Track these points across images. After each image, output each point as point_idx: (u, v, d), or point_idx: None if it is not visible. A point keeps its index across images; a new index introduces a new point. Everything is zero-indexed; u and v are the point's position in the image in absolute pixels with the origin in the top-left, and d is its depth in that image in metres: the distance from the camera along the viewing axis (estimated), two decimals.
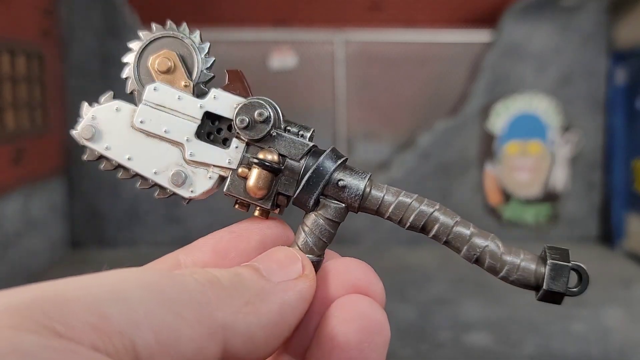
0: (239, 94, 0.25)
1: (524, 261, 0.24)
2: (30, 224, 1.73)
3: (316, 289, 0.22)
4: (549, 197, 2.16)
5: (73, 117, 2.03)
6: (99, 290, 0.17)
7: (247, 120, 0.24)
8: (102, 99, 0.25)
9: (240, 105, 0.24)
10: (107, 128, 0.25)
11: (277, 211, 0.25)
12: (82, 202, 2.04)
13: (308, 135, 0.24)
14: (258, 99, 0.24)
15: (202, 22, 2.11)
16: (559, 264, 0.23)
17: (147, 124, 0.24)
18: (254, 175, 0.23)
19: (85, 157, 0.25)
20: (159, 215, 2.07)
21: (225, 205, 2.09)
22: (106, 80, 1.99)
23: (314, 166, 0.23)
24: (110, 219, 2.06)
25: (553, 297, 0.23)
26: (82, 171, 2.03)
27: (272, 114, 0.24)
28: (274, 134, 0.24)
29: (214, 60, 0.25)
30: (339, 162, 0.24)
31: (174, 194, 0.25)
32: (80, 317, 0.16)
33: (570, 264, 0.24)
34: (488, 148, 2.13)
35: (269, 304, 0.20)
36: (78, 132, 0.25)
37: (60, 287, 0.17)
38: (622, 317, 1.46)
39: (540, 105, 2.12)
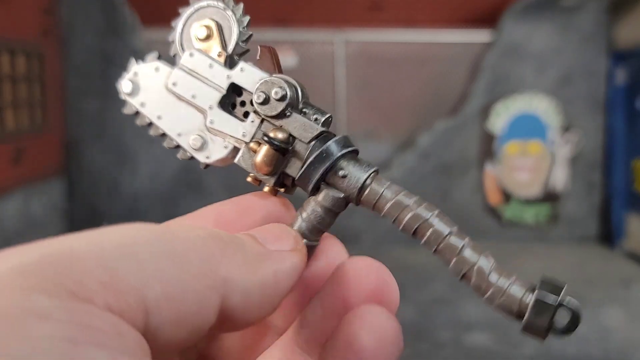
0: (266, 70, 0.25)
1: (512, 287, 0.24)
2: (30, 224, 1.73)
3: (337, 290, 0.23)
4: (549, 197, 2.16)
5: (73, 116, 2.04)
6: (108, 246, 0.17)
7: (265, 96, 0.24)
8: (148, 57, 0.26)
9: (262, 81, 0.24)
10: (145, 85, 0.26)
11: (283, 190, 0.25)
12: (82, 202, 2.04)
13: (322, 119, 0.25)
14: (280, 77, 0.25)
15: None
16: (543, 301, 0.22)
17: (178, 87, 0.25)
18: (262, 152, 0.23)
19: (124, 110, 0.26)
20: (159, 215, 2.07)
21: None
22: (106, 79, 1.99)
23: (319, 150, 0.23)
24: (110, 219, 2.06)
25: (534, 332, 0.22)
26: (82, 171, 2.03)
27: (289, 93, 0.24)
28: (288, 113, 0.24)
29: (251, 35, 0.26)
30: (345, 150, 0.24)
31: (192, 157, 0.25)
32: (93, 275, 0.16)
33: (556, 303, 0.22)
34: (488, 148, 2.13)
35: (265, 267, 0.20)
36: (120, 85, 0.26)
37: (69, 243, 0.17)
38: (622, 317, 1.46)
39: (540, 105, 2.12)
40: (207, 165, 0.26)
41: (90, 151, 2.03)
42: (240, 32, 0.26)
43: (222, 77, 0.25)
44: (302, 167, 0.24)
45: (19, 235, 1.66)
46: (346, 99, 2.20)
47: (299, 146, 0.24)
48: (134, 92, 0.26)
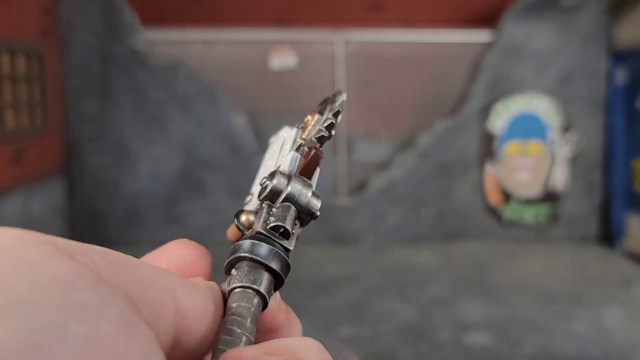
0: (304, 169, 0.28)
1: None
2: (30, 224, 1.73)
3: None
4: (549, 197, 2.16)
5: (73, 117, 2.04)
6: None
7: (264, 182, 0.26)
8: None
9: (275, 170, 0.27)
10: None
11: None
12: (82, 202, 2.04)
13: (280, 226, 0.26)
14: (282, 174, 0.26)
15: (202, 22, 2.10)
16: None
17: (270, 148, 0.29)
18: (231, 229, 0.26)
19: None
20: (159, 215, 2.07)
21: (223, 206, 2.09)
22: (106, 80, 2.00)
23: (240, 242, 0.25)
24: (110, 219, 2.06)
25: None
26: (82, 171, 2.03)
27: (269, 184, 0.26)
28: (264, 205, 0.26)
29: (323, 135, 0.28)
30: (248, 255, 0.25)
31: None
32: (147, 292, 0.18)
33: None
34: (488, 148, 2.13)
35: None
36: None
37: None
38: (622, 317, 1.46)
39: (540, 105, 2.12)
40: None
41: (90, 151, 2.03)
42: (319, 128, 0.29)
43: (273, 164, 0.28)
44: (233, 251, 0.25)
45: None
46: (346, 99, 2.20)
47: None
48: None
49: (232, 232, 0.26)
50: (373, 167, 2.21)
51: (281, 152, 0.28)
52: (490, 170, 2.13)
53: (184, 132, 2.03)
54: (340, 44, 2.17)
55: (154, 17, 2.08)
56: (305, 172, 0.27)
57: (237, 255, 0.24)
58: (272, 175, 0.26)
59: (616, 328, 1.40)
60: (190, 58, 2.06)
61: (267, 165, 0.29)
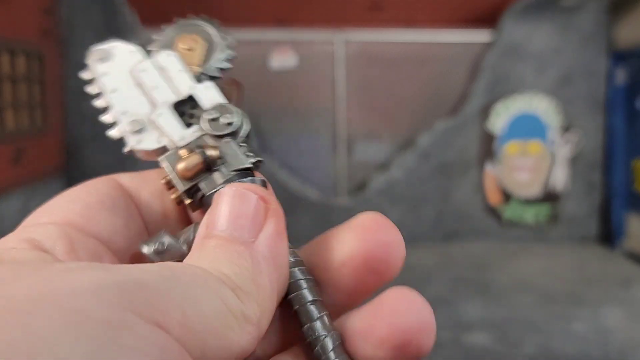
0: (227, 98, 0.27)
1: None
2: None
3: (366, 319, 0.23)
4: (549, 197, 2.16)
5: (73, 117, 2.03)
6: (177, 285, 0.18)
7: (216, 115, 0.25)
8: (130, 41, 0.29)
9: (219, 103, 0.26)
10: (114, 60, 0.27)
11: (188, 202, 0.26)
12: None
13: (254, 160, 0.26)
14: (237, 109, 0.26)
15: None
16: None
17: (144, 75, 0.27)
18: (190, 159, 0.25)
19: (82, 74, 0.28)
20: None
21: None
22: None
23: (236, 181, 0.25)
24: None
25: None
26: (82, 171, 2.03)
27: (237, 123, 0.26)
28: (227, 140, 0.25)
29: (230, 68, 0.28)
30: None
31: (123, 137, 0.27)
32: (174, 312, 0.17)
33: None
34: (488, 148, 2.13)
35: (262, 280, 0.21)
36: (95, 49, 0.28)
37: (141, 275, 0.17)
38: (622, 317, 1.46)
39: (540, 105, 2.12)
40: (131, 151, 0.28)
41: (90, 151, 2.03)
42: (221, 59, 0.28)
43: (186, 86, 0.26)
44: (214, 188, 0.24)
45: None
46: (346, 99, 2.20)
47: (221, 170, 0.25)
48: (103, 60, 0.27)
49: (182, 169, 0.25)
50: (373, 167, 2.21)
51: (170, 78, 0.26)
52: (490, 170, 2.13)
53: None
54: (340, 44, 2.17)
55: (154, 17, 2.08)
56: (235, 101, 0.27)
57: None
58: (224, 109, 0.25)
59: (616, 328, 1.40)
60: None
61: (157, 90, 0.26)
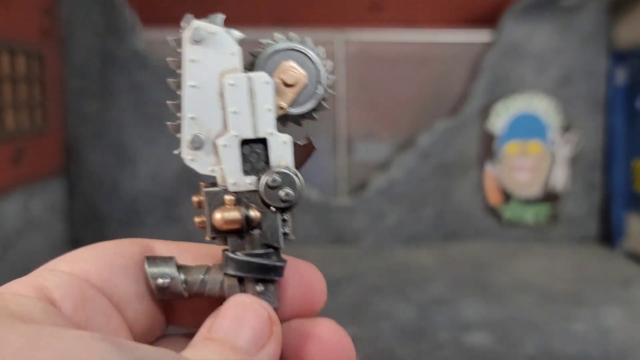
0: (297, 158, 0.25)
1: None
2: (30, 224, 1.73)
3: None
4: (549, 197, 2.16)
5: (73, 117, 2.04)
6: None
7: (278, 183, 0.24)
8: (235, 33, 0.25)
9: (286, 169, 0.24)
10: (211, 51, 0.24)
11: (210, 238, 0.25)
12: (82, 202, 2.04)
13: (284, 240, 0.25)
14: (302, 183, 0.24)
15: None
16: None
17: (230, 90, 0.24)
18: (230, 213, 0.23)
19: (170, 59, 0.25)
20: (159, 215, 2.07)
21: None
22: (106, 80, 1.99)
23: (265, 261, 0.24)
24: (110, 219, 2.06)
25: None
26: (82, 171, 2.03)
27: (293, 202, 0.24)
28: (273, 210, 0.24)
29: (313, 118, 0.26)
30: (272, 278, 0.24)
31: (180, 146, 0.24)
32: None
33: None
34: (488, 148, 2.13)
35: None
36: (193, 25, 0.24)
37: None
38: (622, 317, 1.46)
39: (540, 105, 2.12)
40: (179, 155, 0.25)
41: (90, 151, 2.03)
42: (310, 108, 0.25)
43: (266, 127, 0.24)
44: (242, 254, 0.24)
45: (19, 235, 1.66)
46: (346, 99, 2.20)
47: (254, 238, 0.24)
48: (198, 42, 0.24)
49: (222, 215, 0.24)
50: (373, 167, 2.21)
51: (254, 108, 0.24)
52: (490, 170, 2.13)
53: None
54: (340, 44, 2.17)
55: (154, 17, 2.08)
56: (297, 165, 0.25)
57: (274, 278, 0.24)
58: (287, 180, 0.24)
59: (616, 328, 1.40)
60: None
61: (236, 115, 0.24)
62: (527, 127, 2.12)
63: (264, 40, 0.26)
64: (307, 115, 0.26)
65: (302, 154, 0.25)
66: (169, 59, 0.24)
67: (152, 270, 0.24)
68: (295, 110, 0.25)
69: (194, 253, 0.26)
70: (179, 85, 0.24)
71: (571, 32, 2.09)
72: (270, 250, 0.24)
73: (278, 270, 0.24)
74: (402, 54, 2.19)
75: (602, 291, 1.65)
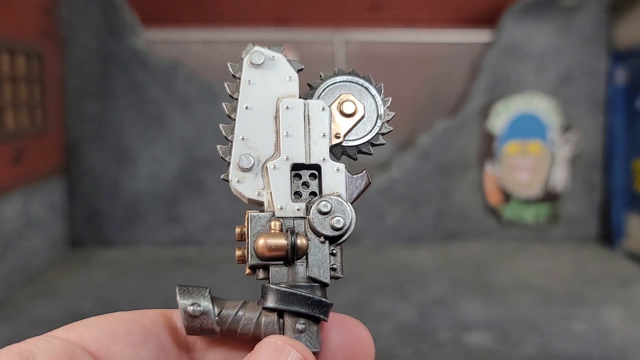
0: (349, 194, 0.24)
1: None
2: (30, 224, 1.73)
3: None
4: (549, 197, 2.16)
5: (73, 117, 2.04)
6: None
7: (328, 209, 0.23)
8: (294, 64, 0.25)
9: (338, 197, 0.23)
10: (269, 75, 0.24)
11: (256, 273, 0.24)
12: (82, 202, 2.04)
13: (335, 275, 0.24)
14: (353, 216, 0.23)
15: (202, 22, 2.11)
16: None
17: (286, 113, 0.24)
18: (275, 239, 0.22)
19: (232, 70, 0.24)
20: (159, 215, 2.07)
21: (223, 206, 2.09)
22: (106, 80, 1.99)
23: (309, 295, 0.23)
24: (110, 219, 2.06)
25: None
26: (82, 171, 2.03)
27: (344, 231, 0.23)
28: (322, 240, 0.23)
29: (370, 153, 0.25)
30: (319, 315, 0.23)
31: (228, 164, 0.24)
32: None
33: None
34: (488, 148, 2.13)
35: None
36: (256, 50, 0.24)
37: None
38: (622, 317, 1.46)
39: (540, 105, 2.12)
40: (225, 180, 0.24)
41: (90, 151, 2.03)
42: (367, 142, 0.25)
43: (320, 154, 0.23)
44: (284, 285, 0.23)
45: (19, 235, 1.66)
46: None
47: (298, 270, 0.23)
48: (257, 66, 0.24)
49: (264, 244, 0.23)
50: (373, 167, 2.21)
51: (309, 134, 0.23)
52: (490, 170, 2.13)
53: (184, 132, 2.03)
54: (340, 44, 2.17)
55: (154, 17, 2.08)
56: (349, 198, 0.24)
57: (319, 315, 0.23)
58: (340, 208, 0.23)
59: (616, 328, 1.40)
60: (190, 58, 2.06)
61: (290, 139, 0.23)
62: (527, 127, 2.12)
63: (323, 73, 0.26)
64: (364, 148, 0.25)
65: (356, 187, 0.24)
66: (226, 83, 0.24)
67: (183, 299, 0.22)
68: (351, 142, 0.24)
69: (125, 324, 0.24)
70: (233, 109, 0.24)
71: (571, 32, 2.09)
72: (316, 285, 0.23)
73: (324, 308, 0.23)
74: (402, 54, 2.20)
75: (602, 291, 1.65)
